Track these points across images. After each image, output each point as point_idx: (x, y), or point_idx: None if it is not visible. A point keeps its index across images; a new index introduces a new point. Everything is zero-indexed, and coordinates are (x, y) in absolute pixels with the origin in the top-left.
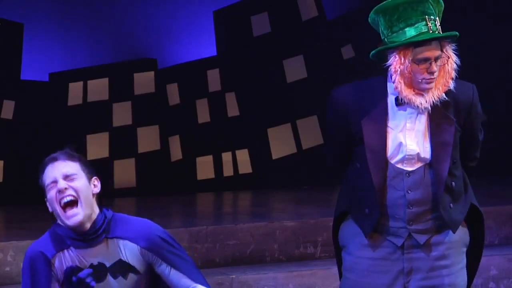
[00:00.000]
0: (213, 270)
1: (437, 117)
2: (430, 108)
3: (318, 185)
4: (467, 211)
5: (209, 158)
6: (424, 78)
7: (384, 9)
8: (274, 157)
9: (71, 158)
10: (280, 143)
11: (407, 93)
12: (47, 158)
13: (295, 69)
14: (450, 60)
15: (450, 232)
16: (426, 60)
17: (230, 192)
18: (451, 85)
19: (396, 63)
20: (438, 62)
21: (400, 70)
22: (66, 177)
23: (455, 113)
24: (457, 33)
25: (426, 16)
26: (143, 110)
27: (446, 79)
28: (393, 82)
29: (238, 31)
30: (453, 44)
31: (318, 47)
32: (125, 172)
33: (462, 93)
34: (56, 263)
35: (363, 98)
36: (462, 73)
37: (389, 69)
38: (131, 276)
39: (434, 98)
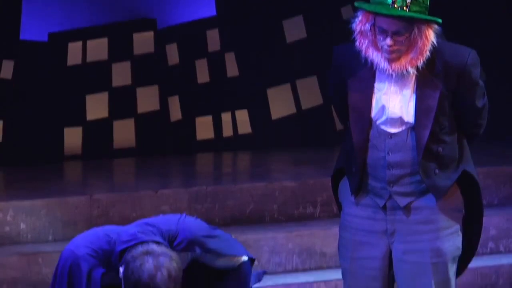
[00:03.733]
0: None
1: (423, 81)
2: (416, 72)
3: (317, 146)
4: (460, 178)
5: (209, 118)
6: (382, 47)
7: None
8: (273, 117)
9: None
10: (280, 103)
11: (370, 54)
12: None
13: (294, 29)
14: (424, 39)
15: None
16: (383, 31)
17: (230, 152)
18: (421, 61)
19: (359, 22)
20: (401, 37)
21: (361, 30)
22: None
23: (444, 78)
24: (419, 16)
25: None
26: (142, 70)
27: (417, 55)
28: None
29: None
30: (435, 25)
31: (318, 8)
32: (124, 132)
33: (455, 57)
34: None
35: (357, 58)
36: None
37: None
38: None
39: (401, 69)
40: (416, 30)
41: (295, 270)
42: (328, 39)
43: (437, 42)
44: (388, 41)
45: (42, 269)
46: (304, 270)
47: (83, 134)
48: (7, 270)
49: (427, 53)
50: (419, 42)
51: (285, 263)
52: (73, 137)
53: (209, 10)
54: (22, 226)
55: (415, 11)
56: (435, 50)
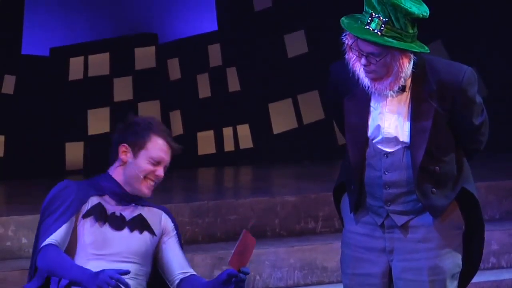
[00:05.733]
0: (214, 245)
1: (417, 101)
2: (411, 92)
3: (318, 160)
4: (458, 195)
5: (210, 133)
6: (361, 66)
7: None
8: (275, 132)
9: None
10: (281, 118)
11: (357, 69)
12: (166, 131)
13: (296, 44)
14: (398, 66)
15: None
16: (360, 50)
17: (231, 167)
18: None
19: (346, 39)
20: (374, 59)
21: (349, 45)
22: (165, 167)
23: (438, 97)
24: (388, 43)
25: (372, 12)
26: (144, 85)
27: (394, 79)
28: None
29: (239, 5)
30: (411, 53)
31: (320, 22)
32: None
33: (449, 77)
34: (91, 201)
35: (353, 76)
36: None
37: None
38: (146, 235)
39: (382, 90)
40: (389, 55)
41: (296, 285)
42: (329, 54)
43: (431, 60)
44: (363, 60)
45: None
46: (306, 285)
47: (84, 149)
48: (8, 285)
49: (401, 80)
50: (395, 68)
51: (286, 278)
52: (74, 151)
53: (211, 25)
54: (24, 240)
55: (388, 36)
56: (429, 69)
